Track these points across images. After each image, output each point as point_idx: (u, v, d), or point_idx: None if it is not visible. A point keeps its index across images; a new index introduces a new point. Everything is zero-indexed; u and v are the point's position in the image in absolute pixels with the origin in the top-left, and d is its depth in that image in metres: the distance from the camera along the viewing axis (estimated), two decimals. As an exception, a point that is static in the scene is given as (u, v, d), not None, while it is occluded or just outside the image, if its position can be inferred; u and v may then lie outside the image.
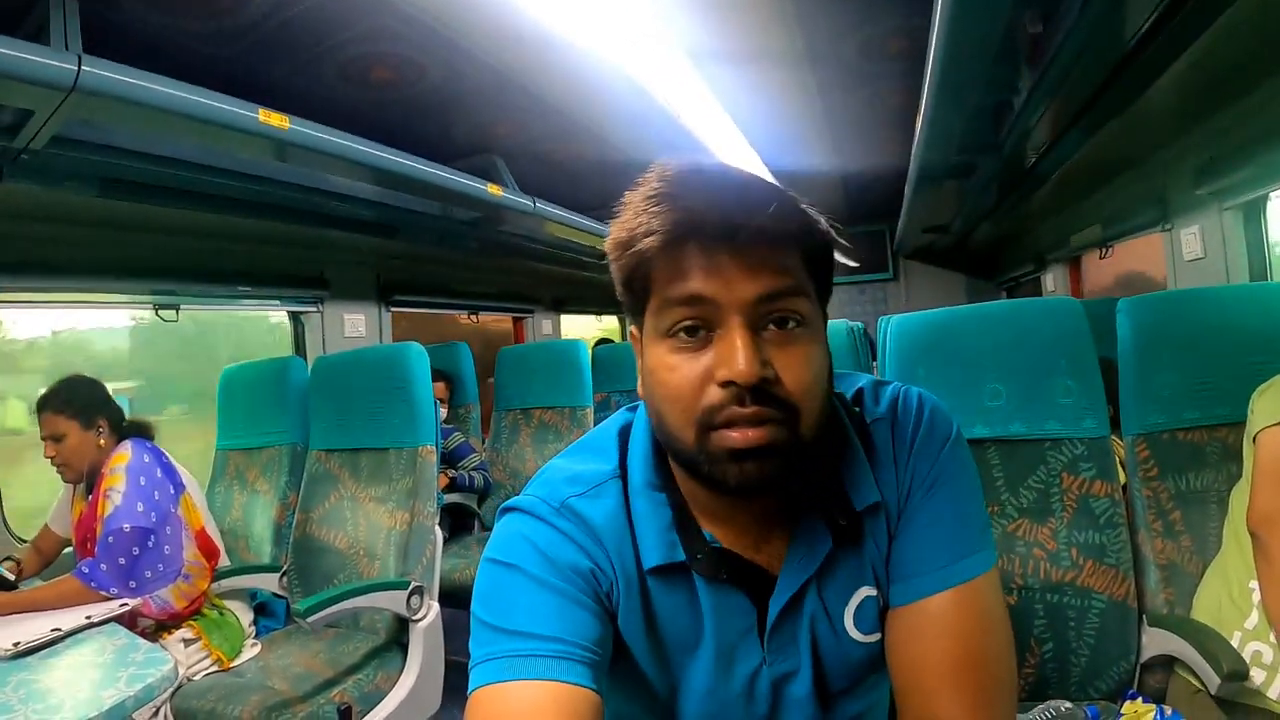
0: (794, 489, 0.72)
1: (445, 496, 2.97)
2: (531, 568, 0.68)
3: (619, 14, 1.80)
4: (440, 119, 2.49)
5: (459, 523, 3.25)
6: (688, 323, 0.64)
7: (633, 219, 0.65)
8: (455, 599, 2.44)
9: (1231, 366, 1.50)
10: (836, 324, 1.76)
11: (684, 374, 0.64)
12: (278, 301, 2.81)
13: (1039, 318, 1.56)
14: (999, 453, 1.55)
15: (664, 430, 0.68)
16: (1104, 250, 3.15)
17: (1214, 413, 1.51)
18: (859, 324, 3.48)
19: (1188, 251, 2.39)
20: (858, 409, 0.77)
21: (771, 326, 0.64)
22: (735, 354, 0.61)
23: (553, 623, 0.65)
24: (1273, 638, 1.23)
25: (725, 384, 0.62)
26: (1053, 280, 4.15)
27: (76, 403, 1.97)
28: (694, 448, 0.64)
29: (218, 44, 1.86)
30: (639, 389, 0.73)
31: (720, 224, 0.62)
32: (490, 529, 3.32)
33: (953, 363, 1.58)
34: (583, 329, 6.22)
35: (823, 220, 0.69)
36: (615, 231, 0.67)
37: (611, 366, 3.92)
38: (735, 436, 0.62)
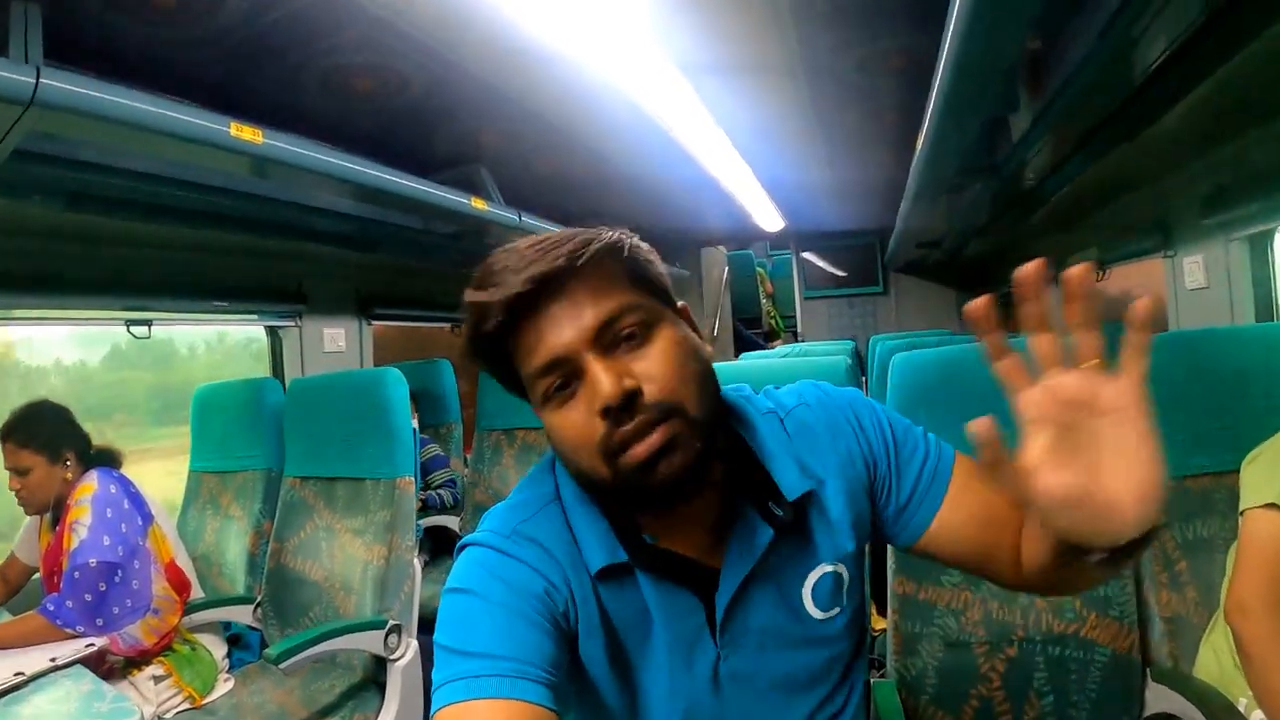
0: (721, 487, 0.77)
1: (423, 522, 2.91)
2: (487, 591, 0.71)
3: (609, 24, 1.73)
4: (424, 130, 2.42)
5: (439, 546, 3.19)
6: (558, 383, 0.70)
7: (468, 328, 0.71)
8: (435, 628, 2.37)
9: (1242, 410, 1.45)
10: (832, 358, 1.70)
11: (573, 421, 0.69)
12: (254, 316, 2.72)
13: (1046, 356, 1.51)
14: (1003, 500, 1.49)
15: (584, 478, 0.72)
16: (1101, 274, 3.11)
17: (1223, 459, 1.45)
18: (849, 341, 3.42)
19: (1190, 280, 2.35)
20: (770, 404, 0.84)
21: (622, 344, 0.70)
22: (598, 382, 0.67)
23: (509, 643, 0.67)
24: None
25: (603, 412, 0.66)
26: None
27: (42, 435, 1.89)
28: (611, 478, 0.69)
29: (190, 52, 1.77)
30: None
31: (532, 294, 0.68)
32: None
33: (957, 404, 1.50)
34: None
35: (622, 235, 0.74)
36: (463, 343, 0.74)
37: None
38: (638, 450, 0.67)
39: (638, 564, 0.74)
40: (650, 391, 0.68)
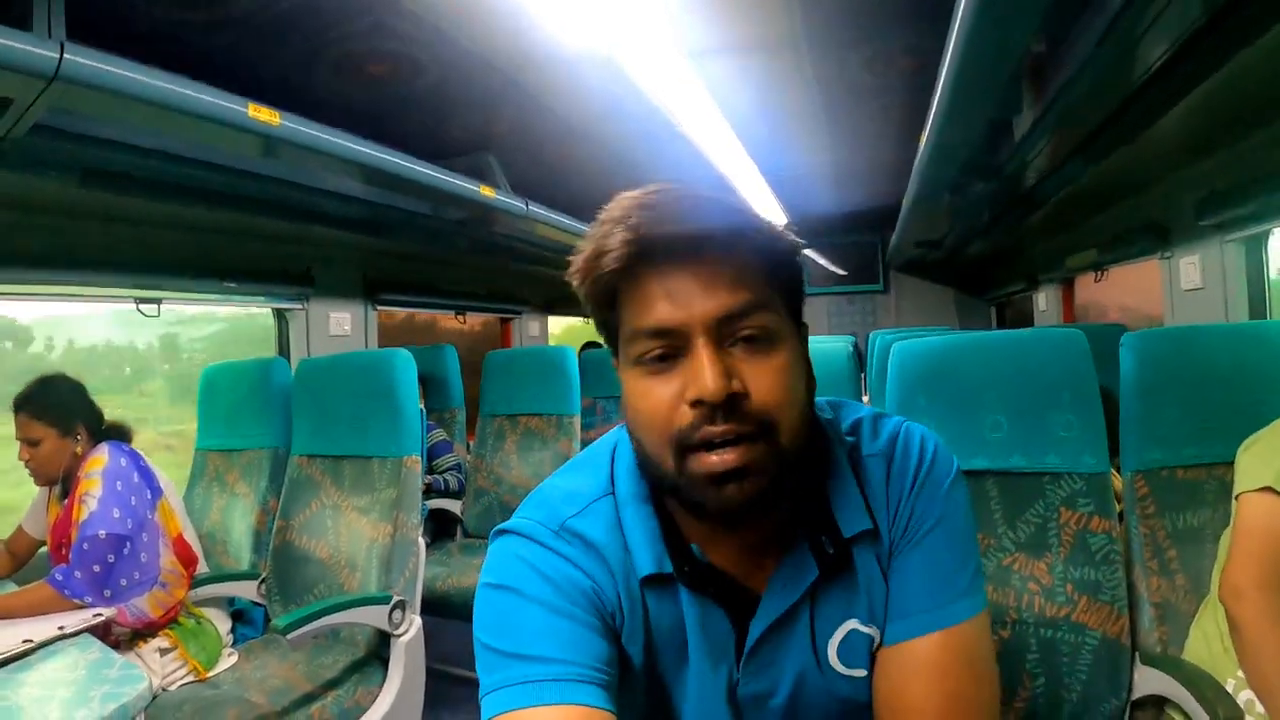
0: (779, 512, 0.71)
1: (427, 504, 2.92)
2: (536, 591, 0.68)
3: (621, 15, 1.75)
4: (435, 117, 2.45)
5: (441, 529, 3.21)
6: (657, 352, 0.64)
7: (593, 247, 0.65)
8: (436, 608, 2.39)
9: (1234, 404, 1.49)
10: (835, 345, 1.73)
11: (657, 397, 0.64)
12: (262, 298, 2.74)
13: (1042, 349, 1.54)
14: (997, 485, 1.52)
15: (644, 456, 0.68)
16: (1099, 274, 3.14)
17: (1214, 450, 1.49)
18: (850, 336, 3.45)
19: (1186, 281, 2.38)
20: (852, 438, 0.76)
21: (740, 343, 0.64)
22: (702, 372, 0.61)
23: (563, 646, 0.65)
24: None
25: (695, 403, 0.62)
26: (1045, 300, 4.14)
27: (55, 409, 1.90)
28: (674, 471, 0.64)
29: (210, 34, 1.80)
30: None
31: (675, 246, 0.63)
32: (472, 534, 3.19)
33: (955, 392, 1.55)
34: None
35: (787, 232, 0.70)
36: (578, 259, 0.67)
37: (599, 372, 3.87)
38: (713, 460, 0.62)
39: (680, 578, 0.71)
40: (754, 401, 0.63)
